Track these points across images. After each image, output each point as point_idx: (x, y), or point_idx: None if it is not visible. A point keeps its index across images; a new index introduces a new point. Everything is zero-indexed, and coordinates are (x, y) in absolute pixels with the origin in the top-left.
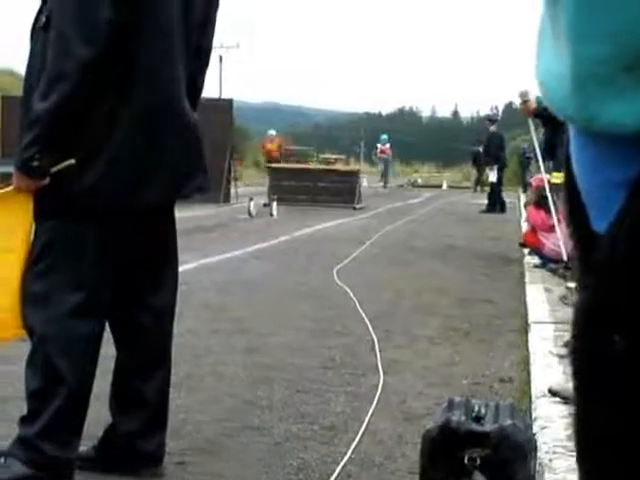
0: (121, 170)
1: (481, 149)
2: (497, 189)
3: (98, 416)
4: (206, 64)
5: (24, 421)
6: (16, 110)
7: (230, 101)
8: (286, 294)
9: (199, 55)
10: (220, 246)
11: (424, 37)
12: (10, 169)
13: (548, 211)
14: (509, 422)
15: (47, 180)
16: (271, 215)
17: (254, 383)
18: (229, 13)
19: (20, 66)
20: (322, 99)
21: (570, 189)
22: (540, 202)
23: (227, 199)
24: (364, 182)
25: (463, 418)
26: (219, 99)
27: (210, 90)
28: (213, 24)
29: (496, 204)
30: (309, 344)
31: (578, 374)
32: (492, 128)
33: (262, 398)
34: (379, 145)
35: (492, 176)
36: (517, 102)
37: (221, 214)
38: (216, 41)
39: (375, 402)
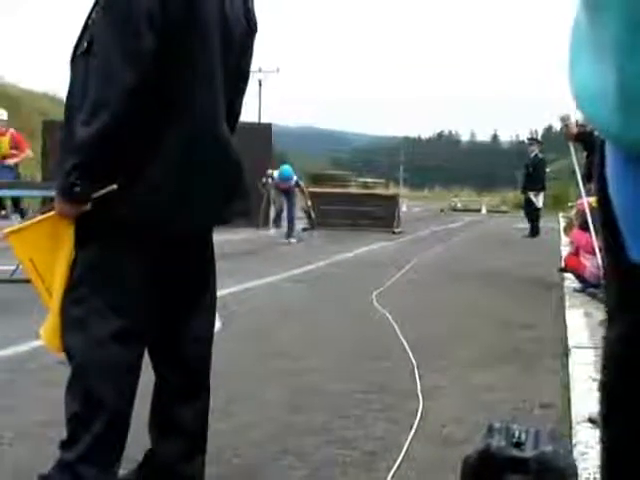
0: (161, 196)
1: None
2: (538, 214)
3: (138, 440)
4: (244, 89)
5: (64, 445)
6: (57, 134)
7: (269, 125)
8: (325, 318)
9: (237, 80)
10: (259, 270)
11: (464, 62)
12: (52, 193)
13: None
14: (549, 448)
15: (88, 206)
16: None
17: (294, 407)
18: (269, 38)
19: (60, 90)
20: (361, 123)
21: (606, 214)
22: (585, 225)
23: (266, 223)
24: (403, 206)
25: (503, 444)
26: (258, 123)
27: (249, 114)
28: (251, 49)
29: (538, 228)
30: (349, 369)
31: (611, 410)
32: (536, 151)
33: (302, 423)
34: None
35: (538, 201)
36: (557, 126)
37: (260, 238)
38: (256, 66)
39: (415, 427)
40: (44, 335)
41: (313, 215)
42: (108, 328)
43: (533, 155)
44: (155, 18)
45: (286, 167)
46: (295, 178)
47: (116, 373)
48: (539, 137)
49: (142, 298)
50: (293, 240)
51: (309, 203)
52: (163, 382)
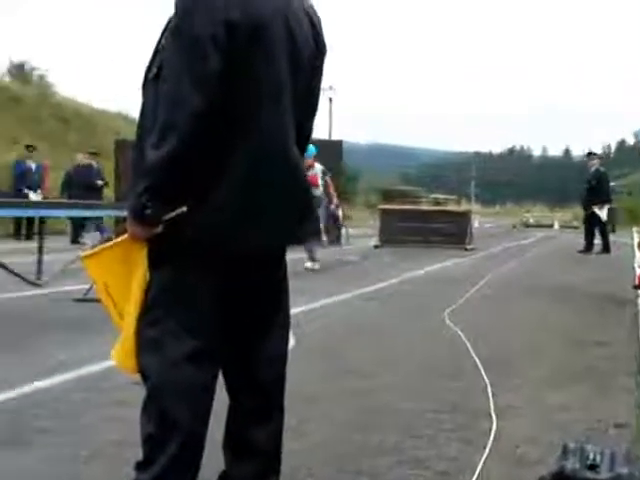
0: (232, 217)
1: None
2: (605, 228)
3: (212, 461)
4: (314, 110)
5: (139, 466)
6: (129, 153)
7: (340, 142)
8: (397, 337)
9: (307, 101)
10: (330, 288)
11: (535, 76)
12: (124, 213)
13: None
14: (625, 470)
15: (160, 228)
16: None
17: (366, 427)
18: (339, 56)
19: (133, 110)
20: (429, 138)
21: None
22: None
23: (337, 240)
24: (475, 222)
25: (577, 466)
26: (329, 140)
27: (320, 131)
28: (321, 70)
29: (608, 245)
30: (421, 387)
31: None
32: (596, 165)
33: (374, 442)
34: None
35: (602, 214)
36: (630, 140)
37: (331, 255)
38: (326, 83)
39: (488, 447)
40: (117, 357)
41: (341, 220)
42: (182, 349)
43: (594, 169)
44: (221, 41)
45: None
46: (319, 167)
47: (191, 394)
48: (612, 151)
49: (215, 319)
50: (314, 266)
51: (335, 202)
52: (237, 403)
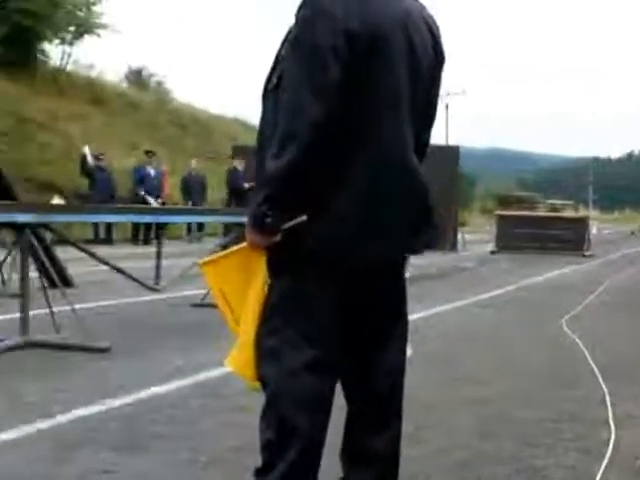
0: (350, 226)
1: None
2: None
3: (330, 468)
4: (432, 119)
5: (259, 472)
6: (245, 158)
7: (456, 148)
8: (514, 344)
9: (426, 110)
10: (447, 295)
11: None
12: (236, 219)
13: None
14: None
15: (279, 237)
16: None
17: (483, 435)
18: (456, 61)
19: (250, 116)
20: (545, 143)
21: None
22: None
23: (454, 246)
24: (593, 229)
25: None
26: (446, 146)
27: (437, 137)
28: (439, 79)
29: None
30: (538, 396)
31: None
32: None
33: (491, 451)
34: None
35: None
36: None
37: (448, 262)
38: (442, 89)
39: (607, 457)
40: (233, 364)
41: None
42: (301, 358)
43: None
44: (341, 52)
45: None
46: None
47: (310, 402)
48: None
49: (334, 329)
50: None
51: None
52: (355, 411)
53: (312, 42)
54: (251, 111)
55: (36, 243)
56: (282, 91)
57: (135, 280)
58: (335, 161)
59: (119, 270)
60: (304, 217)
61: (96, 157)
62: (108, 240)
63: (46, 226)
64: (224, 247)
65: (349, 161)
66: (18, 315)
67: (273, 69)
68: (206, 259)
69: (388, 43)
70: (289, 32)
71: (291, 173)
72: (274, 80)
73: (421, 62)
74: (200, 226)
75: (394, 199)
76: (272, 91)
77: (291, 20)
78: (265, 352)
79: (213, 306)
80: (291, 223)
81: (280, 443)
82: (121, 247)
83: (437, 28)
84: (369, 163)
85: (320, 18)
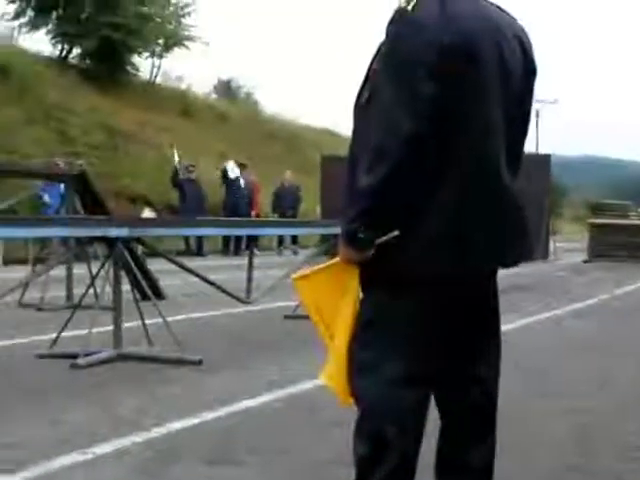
0: (442, 241)
1: None
2: None
3: None
4: (525, 132)
5: None
6: (335, 169)
7: (548, 156)
8: (608, 355)
9: (518, 124)
10: (540, 304)
11: None
12: (330, 231)
13: None
14: None
15: (372, 252)
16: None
17: (577, 448)
18: (547, 69)
19: (338, 126)
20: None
21: None
22: None
23: (546, 255)
24: None
25: None
26: (536, 154)
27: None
28: (531, 93)
29: None
30: (636, 408)
31: None
32: None
33: (585, 464)
34: None
35: None
36: None
37: (540, 271)
38: (534, 98)
39: None
40: (327, 378)
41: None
42: (395, 371)
43: None
44: (434, 68)
45: None
46: None
47: (404, 415)
48: None
49: (427, 341)
50: None
51: None
52: (449, 424)
53: (404, 57)
54: (340, 121)
55: (128, 256)
56: (374, 106)
57: (227, 293)
58: (427, 176)
59: (210, 282)
60: (396, 232)
61: (187, 169)
62: (199, 252)
63: (138, 239)
64: (323, 256)
65: (441, 176)
66: (111, 328)
67: (364, 84)
68: (299, 274)
69: (480, 57)
70: (380, 47)
71: (383, 189)
72: (366, 95)
73: (513, 74)
74: (294, 237)
75: (486, 214)
76: (364, 106)
77: (380, 32)
78: (358, 366)
79: (305, 318)
80: (384, 238)
81: (374, 457)
82: (212, 259)
83: (529, 41)
84: (461, 178)
85: (412, 33)
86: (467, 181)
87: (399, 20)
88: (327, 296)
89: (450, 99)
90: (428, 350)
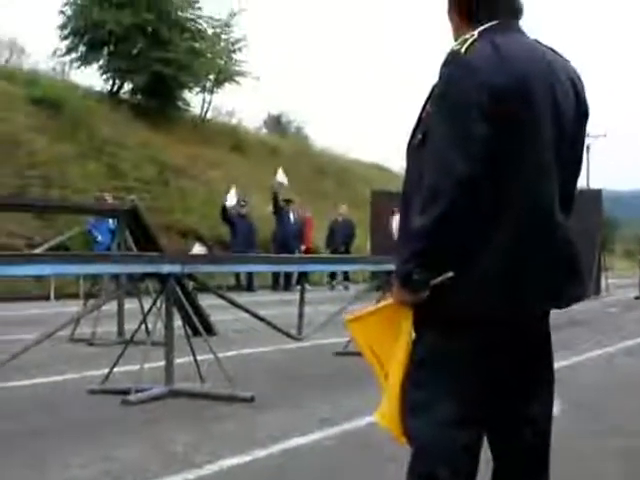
0: (496, 282)
1: None
2: None
3: None
4: (577, 173)
5: None
6: (384, 204)
7: (599, 191)
8: None
9: (571, 166)
10: (592, 341)
11: None
12: (381, 267)
13: None
14: None
15: (426, 293)
16: None
17: None
18: (597, 104)
19: (387, 161)
20: None
21: None
22: None
23: (597, 291)
24: None
25: None
26: (587, 189)
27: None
28: (583, 133)
29: None
30: None
31: None
32: None
33: None
34: None
35: None
36: None
37: (592, 307)
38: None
39: None
40: (382, 419)
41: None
42: (448, 412)
43: None
44: (486, 108)
45: None
46: None
47: (456, 457)
48: None
49: (480, 382)
50: None
51: None
52: (502, 464)
53: (457, 99)
54: (389, 156)
55: (180, 292)
56: (427, 148)
57: (278, 329)
58: (481, 216)
59: (261, 318)
60: (450, 273)
61: (239, 204)
62: (249, 287)
63: (190, 275)
64: (374, 291)
65: (495, 217)
66: (162, 364)
67: (417, 125)
68: (352, 315)
69: (533, 99)
70: (433, 88)
71: (437, 230)
72: (419, 136)
73: (565, 116)
74: (345, 272)
75: (540, 255)
76: (417, 147)
77: (433, 73)
78: (410, 406)
79: (357, 354)
80: (438, 280)
81: None
82: (262, 294)
83: (581, 84)
84: (515, 219)
85: (465, 74)
86: (520, 222)
87: (452, 62)
88: (381, 336)
89: (503, 140)
90: (481, 391)
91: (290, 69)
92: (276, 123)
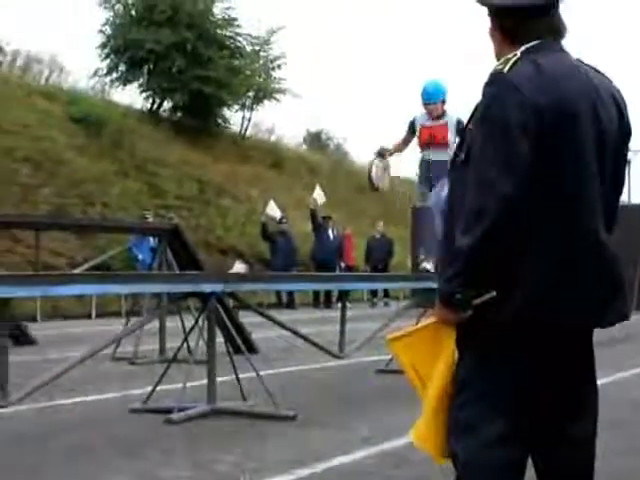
0: (539, 301)
1: None
2: None
3: None
4: (619, 191)
5: None
6: (425, 220)
7: (639, 206)
8: None
9: (612, 183)
10: (635, 358)
11: None
12: (421, 284)
13: None
14: None
15: (469, 312)
16: None
17: None
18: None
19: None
20: None
21: None
22: None
23: (639, 307)
24: None
25: None
26: (628, 205)
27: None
28: (625, 152)
29: None
30: None
31: None
32: None
33: None
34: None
35: None
36: None
37: (634, 323)
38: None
39: None
40: (417, 438)
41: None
42: (493, 431)
43: None
44: (530, 128)
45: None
46: (453, 117)
47: (501, 475)
48: None
49: (524, 401)
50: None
51: None
52: None
53: (501, 118)
54: None
55: (222, 310)
56: (471, 167)
57: (319, 347)
58: (524, 236)
59: (302, 336)
60: (493, 293)
61: (279, 221)
62: (290, 304)
63: (231, 294)
64: (415, 308)
65: (538, 235)
66: (204, 382)
67: (461, 144)
68: (394, 335)
69: (575, 118)
70: (476, 107)
71: (481, 249)
72: (462, 155)
73: (607, 134)
74: (386, 290)
75: (583, 272)
76: (460, 166)
77: (476, 93)
78: (456, 426)
79: (398, 372)
80: (482, 299)
81: None
82: (303, 311)
83: (623, 101)
84: (558, 237)
85: (509, 94)
86: (564, 240)
87: (495, 81)
88: (423, 355)
89: (546, 159)
90: (525, 410)
91: (330, 86)
92: (315, 140)
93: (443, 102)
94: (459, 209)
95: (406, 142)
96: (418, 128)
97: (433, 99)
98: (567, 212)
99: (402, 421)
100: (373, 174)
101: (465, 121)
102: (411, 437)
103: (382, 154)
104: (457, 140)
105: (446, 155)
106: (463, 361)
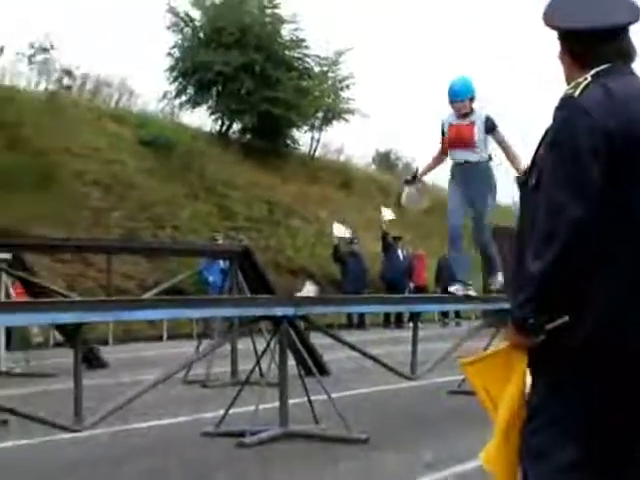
0: (607, 323)
1: None
2: None
3: None
4: None
5: None
6: (499, 241)
7: None
8: None
9: None
10: None
11: None
12: (493, 306)
13: None
14: None
15: (542, 337)
16: None
17: None
18: None
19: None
20: None
21: None
22: None
23: None
24: None
25: None
26: None
27: None
28: None
29: None
30: None
31: None
32: None
33: None
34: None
35: None
36: None
37: None
38: None
39: None
40: (486, 461)
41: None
42: (565, 457)
43: None
44: (601, 152)
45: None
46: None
47: None
48: None
49: (597, 424)
50: None
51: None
52: None
53: (572, 143)
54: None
55: (293, 333)
56: (542, 191)
57: (390, 369)
58: (596, 259)
59: (373, 357)
60: (566, 317)
61: (350, 241)
62: (361, 325)
63: (303, 317)
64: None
65: (608, 258)
66: (275, 405)
67: (531, 168)
68: (467, 359)
69: None
70: (547, 131)
71: (553, 273)
72: (533, 180)
73: None
74: (457, 310)
75: None
76: (531, 191)
77: (546, 118)
78: (528, 452)
79: (470, 394)
80: (554, 323)
81: None
82: (373, 332)
83: None
84: (628, 260)
85: (579, 119)
86: (633, 262)
87: (566, 105)
88: (495, 378)
89: (616, 182)
90: (596, 434)
91: (399, 105)
92: (385, 159)
93: (471, 100)
94: (530, 233)
95: (437, 160)
96: (447, 127)
97: (460, 97)
98: (637, 234)
99: (475, 444)
100: (404, 201)
101: (496, 126)
102: (481, 460)
103: (408, 181)
104: (484, 137)
105: (473, 155)
106: (536, 388)
